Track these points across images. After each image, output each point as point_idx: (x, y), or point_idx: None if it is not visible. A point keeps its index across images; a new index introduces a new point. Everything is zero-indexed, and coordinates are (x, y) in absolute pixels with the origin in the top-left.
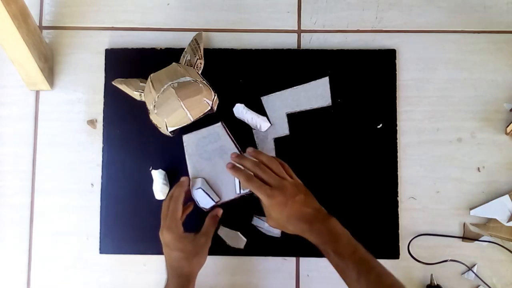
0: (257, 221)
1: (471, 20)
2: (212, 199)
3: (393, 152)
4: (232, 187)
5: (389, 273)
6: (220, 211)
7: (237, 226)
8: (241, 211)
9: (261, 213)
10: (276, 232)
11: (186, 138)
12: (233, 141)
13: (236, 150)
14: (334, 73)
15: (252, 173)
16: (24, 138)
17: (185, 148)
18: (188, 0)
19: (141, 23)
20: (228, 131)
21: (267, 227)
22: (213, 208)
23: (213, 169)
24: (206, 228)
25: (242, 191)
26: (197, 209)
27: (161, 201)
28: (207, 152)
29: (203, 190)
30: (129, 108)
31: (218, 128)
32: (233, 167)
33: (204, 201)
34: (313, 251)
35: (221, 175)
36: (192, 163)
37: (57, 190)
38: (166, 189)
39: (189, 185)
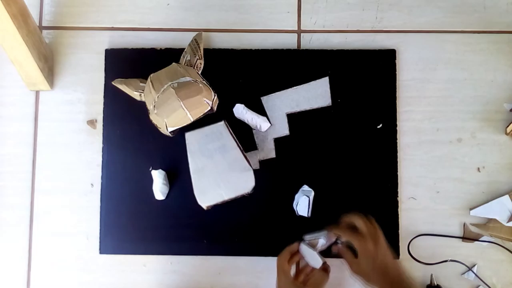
0: (304, 249)
1: (471, 20)
2: (321, 259)
3: (393, 152)
4: (234, 186)
5: None
6: (329, 268)
7: (236, 225)
8: (240, 210)
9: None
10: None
11: (189, 136)
12: (235, 140)
13: (238, 149)
14: (334, 73)
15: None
16: (24, 138)
17: (187, 145)
18: (188, 0)
19: (141, 23)
20: (230, 130)
21: (310, 256)
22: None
23: (214, 167)
24: (320, 282)
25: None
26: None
27: (161, 201)
28: (208, 150)
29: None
30: (129, 108)
31: (220, 127)
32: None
33: (311, 259)
34: None
35: (222, 174)
36: (193, 161)
37: (57, 190)
38: (166, 189)
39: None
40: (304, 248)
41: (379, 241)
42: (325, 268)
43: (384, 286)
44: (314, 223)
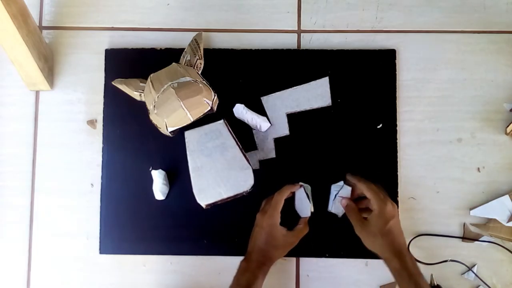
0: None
1: (471, 20)
2: (310, 209)
3: (393, 152)
4: (233, 184)
5: None
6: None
7: (236, 225)
8: (240, 210)
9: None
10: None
11: (188, 135)
12: (234, 138)
13: (237, 147)
14: (334, 73)
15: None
16: (24, 138)
17: (186, 144)
18: (188, 0)
19: (141, 23)
20: (229, 129)
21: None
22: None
23: (213, 165)
24: (299, 231)
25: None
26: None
27: (161, 201)
28: (208, 148)
29: (307, 195)
30: (129, 108)
31: (220, 126)
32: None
33: (301, 207)
34: (313, 251)
35: (220, 172)
36: (192, 159)
37: (57, 190)
38: (166, 189)
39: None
40: (302, 193)
41: (393, 205)
42: (306, 221)
43: (385, 251)
44: (314, 222)
